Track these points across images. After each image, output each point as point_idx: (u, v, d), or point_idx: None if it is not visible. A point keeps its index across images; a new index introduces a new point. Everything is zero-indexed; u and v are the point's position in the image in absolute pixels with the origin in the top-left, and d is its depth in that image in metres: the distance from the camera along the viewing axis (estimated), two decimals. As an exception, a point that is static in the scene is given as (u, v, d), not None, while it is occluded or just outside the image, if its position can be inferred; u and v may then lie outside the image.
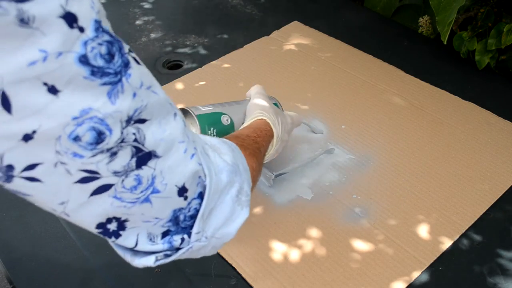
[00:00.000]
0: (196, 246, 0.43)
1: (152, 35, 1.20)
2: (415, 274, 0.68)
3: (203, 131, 0.69)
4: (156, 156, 0.37)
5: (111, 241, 0.40)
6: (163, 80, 1.05)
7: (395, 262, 0.70)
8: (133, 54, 0.36)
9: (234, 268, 0.70)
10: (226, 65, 1.08)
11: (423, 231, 0.73)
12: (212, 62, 1.09)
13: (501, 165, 0.83)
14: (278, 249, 0.72)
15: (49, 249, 0.74)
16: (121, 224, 0.38)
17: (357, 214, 0.76)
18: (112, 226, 0.38)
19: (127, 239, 0.40)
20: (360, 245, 0.72)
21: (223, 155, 0.46)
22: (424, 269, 0.69)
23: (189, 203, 0.41)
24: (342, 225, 0.75)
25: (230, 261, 0.71)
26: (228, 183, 0.44)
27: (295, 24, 1.22)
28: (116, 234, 0.39)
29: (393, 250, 0.71)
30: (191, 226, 0.42)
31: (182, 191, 0.40)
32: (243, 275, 0.69)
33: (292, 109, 0.96)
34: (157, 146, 0.37)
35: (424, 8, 1.19)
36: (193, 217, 0.42)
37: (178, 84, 1.03)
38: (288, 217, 0.76)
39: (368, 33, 1.19)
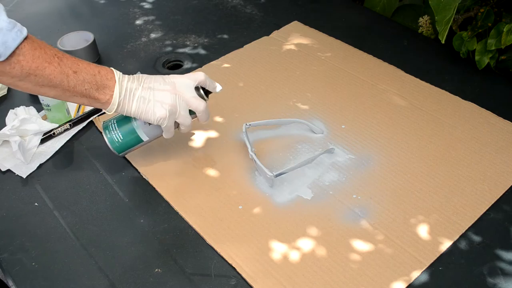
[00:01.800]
0: None
1: (152, 35, 1.20)
2: (415, 274, 0.68)
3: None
4: None
5: None
6: (163, 80, 1.05)
7: (395, 262, 0.70)
8: None
9: (234, 268, 0.70)
10: (226, 65, 1.09)
11: (423, 231, 0.73)
12: (212, 62, 1.09)
13: (501, 165, 0.83)
14: (278, 249, 0.72)
15: (49, 249, 0.74)
16: None
17: (357, 214, 0.76)
18: None
19: None
20: (360, 245, 0.72)
21: None
22: (424, 269, 0.69)
23: None
24: (342, 225, 0.75)
25: (230, 261, 0.71)
26: None
27: (295, 24, 1.22)
28: None
29: (393, 250, 0.71)
30: None
31: None
32: (243, 275, 0.69)
33: (292, 109, 0.96)
34: None
35: (424, 8, 1.19)
36: None
37: (178, 84, 1.03)
38: (288, 217, 0.77)
39: (368, 33, 1.19)
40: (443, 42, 0.95)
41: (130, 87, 0.73)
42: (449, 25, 0.93)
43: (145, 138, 0.79)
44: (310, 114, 0.95)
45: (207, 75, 0.78)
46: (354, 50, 1.12)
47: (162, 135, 0.79)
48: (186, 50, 1.15)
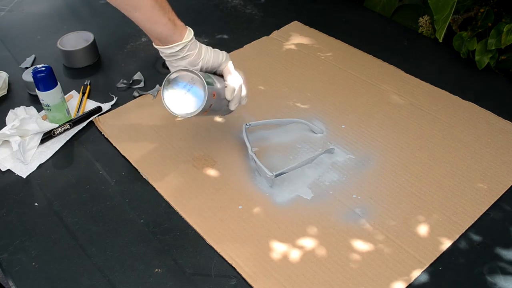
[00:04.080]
0: None
1: (152, 35, 1.20)
2: (415, 274, 0.68)
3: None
4: None
5: None
6: (163, 80, 1.05)
7: (395, 262, 0.70)
8: None
9: (234, 268, 0.70)
10: (226, 65, 1.08)
11: (423, 231, 0.73)
12: (212, 62, 1.09)
13: (501, 165, 0.83)
14: (278, 249, 0.72)
15: (49, 249, 0.74)
16: None
17: (357, 214, 0.76)
18: None
19: None
20: (360, 245, 0.72)
21: None
22: (424, 269, 0.69)
23: None
24: (342, 225, 0.75)
25: (230, 261, 0.71)
26: None
27: (295, 24, 1.22)
28: None
29: (393, 250, 0.71)
30: None
31: None
32: (243, 275, 0.69)
33: (292, 109, 0.96)
34: None
35: (424, 8, 1.19)
36: None
37: (178, 84, 1.03)
38: (288, 217, 0.77)
39: (368, 33, 1.19)
40: (440, 40, 0.95)
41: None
42: (447, 23, 0.93)
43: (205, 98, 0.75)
44: (310, 114, 0.95)
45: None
46: (354, 50, 1.12)
47: (210, 110, 0.77)
48: (186, 50, 1.15)
